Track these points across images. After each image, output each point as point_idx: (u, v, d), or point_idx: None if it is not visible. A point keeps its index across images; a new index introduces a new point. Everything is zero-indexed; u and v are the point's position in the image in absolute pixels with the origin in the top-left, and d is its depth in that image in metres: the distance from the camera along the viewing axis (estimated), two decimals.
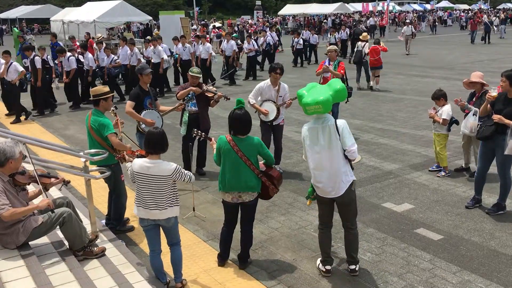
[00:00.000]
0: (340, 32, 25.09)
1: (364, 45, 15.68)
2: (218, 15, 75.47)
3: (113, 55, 15.18)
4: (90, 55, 14.96)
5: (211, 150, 8.63)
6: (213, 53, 17.26)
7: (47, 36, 39.30)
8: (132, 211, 6.49)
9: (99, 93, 5.64)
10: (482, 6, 67.41)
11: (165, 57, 15.62)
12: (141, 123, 7.00)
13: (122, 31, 37.40)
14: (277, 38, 23.26)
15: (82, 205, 6.72)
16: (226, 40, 18.61)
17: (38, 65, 12.71)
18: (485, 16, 42.33)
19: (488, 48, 28.05)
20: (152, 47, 15.81)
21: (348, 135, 4.64)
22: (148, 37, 18.91)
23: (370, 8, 58.45)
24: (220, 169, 5.03)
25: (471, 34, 32.20)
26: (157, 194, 4.45)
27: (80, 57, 14.68)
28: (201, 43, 17.37)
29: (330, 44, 21.22)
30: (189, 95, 7.52)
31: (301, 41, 22.18)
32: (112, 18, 29.34)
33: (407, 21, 31.15)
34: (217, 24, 33.89)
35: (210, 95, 7.70)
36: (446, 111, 7.40)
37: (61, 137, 10.90)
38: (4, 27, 50.89)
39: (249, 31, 29.52)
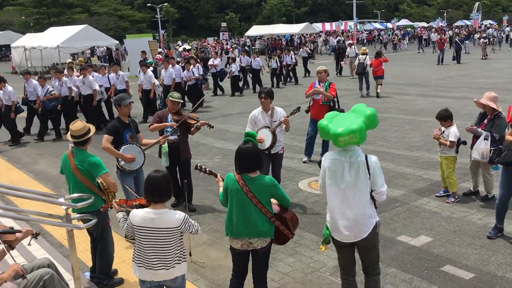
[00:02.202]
0: (283, 56, 22.34)
1: (365, 57, 17.64)
2: (182, 37, 75.10)
3: (48, 86, 13.30)
4: (9, 87, 12.72)
5: (198, 181, 8.07)
6: (156, 82, 15.29)
7: (8, 64, 37.82)
8: (120, 259, 5.75)
9: (86, 131, 4.89)
10: (440, 24, 69.38)
11: (97, 87, 13.71)
12: (119, 159, 6.26)
13: (89, 56, 36.32)
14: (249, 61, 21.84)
15: (61, 255, 5.90)
16: (164, 67, 15.97)
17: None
18: (450, 33, 43.04)
19: (455, 65, 28.40)
20: (82, 76, 13.69)
21: (380, 174, 4.06)
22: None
23: (334, 28, 59.43)
24: (227, 211, 4.35)
25: (439, 54, 28.63)
26: (164, 251, 3.75)
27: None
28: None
29: (272, 69, 21.60)
30: (174, 128, 6.90)
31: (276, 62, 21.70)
32: (76, 43, 28.41)
33: (349, 42, 27.04)
34: (187, 47, 33.22)
35: (192, 122, 7.07)
36: (453, 132, 6.94)
37: (30, 173, 9.96)
38: None
39: (210, 54, 27.10)
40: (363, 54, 17.91)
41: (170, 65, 15.94)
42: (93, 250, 5.37)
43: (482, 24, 68.03)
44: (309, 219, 6.89)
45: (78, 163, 4.84)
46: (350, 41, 27.68)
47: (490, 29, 49.64)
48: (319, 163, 4.78)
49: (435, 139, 7.20)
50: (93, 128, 4.98)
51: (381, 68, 17.33)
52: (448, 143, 6.93)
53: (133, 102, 6.66)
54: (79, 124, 4.89)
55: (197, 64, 17.61)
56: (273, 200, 4.40)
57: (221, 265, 5.65)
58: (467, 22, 76.78)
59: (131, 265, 3.98)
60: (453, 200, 7.10)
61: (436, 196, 7.37)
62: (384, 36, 50.21)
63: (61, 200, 4.83)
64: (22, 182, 9.18)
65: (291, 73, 23.09)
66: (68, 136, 4.91)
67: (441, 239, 5.96)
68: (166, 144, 6.99)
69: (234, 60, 21.24)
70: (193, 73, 16.65)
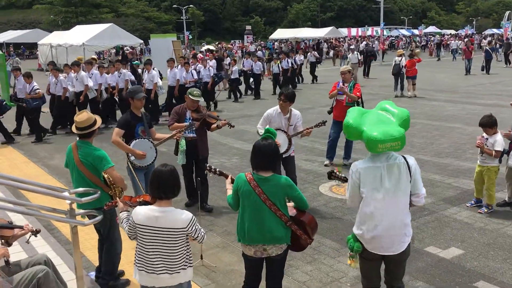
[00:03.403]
0: (283, 61, 20.77)
1: (401, 59, 18.30)
2: (207, 39, 75.33)
3: (34, 83, 12.44)
4: (35, 83, 12.55)
5: (214, 181, 7.74)
6: (159, 83, 14.48)
7: (35, 60, 38.43)
8: (127, 259, 5.44)
9: (91, 123, 4.59)
10: (469, 32, 67.87)
11: (90, 84, 13.11)
12: (130, 155, 5.96)
13: (111, 54, 36.50)
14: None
15: (67, 253, 5.63)
16: (169, 67, 15.16)
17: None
18: (484, 41, 41.36)
19: (484, 74, 27.22)
20: (74, 73, 13.22)
21: (419, 176, 3.68)
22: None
23: (360, 33, 58.71)
24: (239, 216, 3.98)
25: (467, 63, 25.93)
26: (168, 254, 3.41)
27: None
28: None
29: (274, 74, 20.36)
30: (191, 122, 6.56)
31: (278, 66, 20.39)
32: (101, 41, 28.53)
33: (351, 47, 25.96)
34: (211, 47, 33.06)
35: (211, 121, 6.77)
36: (499, 141, 6.38)
37: (45, 167, 9.79)
38: None
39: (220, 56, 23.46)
40: (399, 56, 18.61)
41: (182, 65, 15.39)
42: (100, 249, 5.07)
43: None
44: (330, 224, 6.47)
45: (82, 156, 4.54)
46: (352, 46, 26.11)
47: None
48: (329, 175, 4.33)
49: (478, 147, 6.62)
50: (99, 120, 4.69)
51: (414, 69, 17.94)
52: (493, 152, 6.40)
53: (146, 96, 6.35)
54: (84, 115, 4.59)
55: (208, 66, 16.95)
56: (290, 203, 4.02)
57: (234, 270, 5.29)
58: (496, 31, 74.98)
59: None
60: (486, 210, 6.59)
61: (467, 206, 6.87)
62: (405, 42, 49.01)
63: (65, 194, 4.52)
64: (35, 176, 8.99)
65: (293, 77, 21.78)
66: (73, 128, 4.63)
67: (474, 252, 5.48)
68: (183, 141, 6.66)
69: (235, 62, 19.98)
70: (192, 75, 15.29)
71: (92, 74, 13.64)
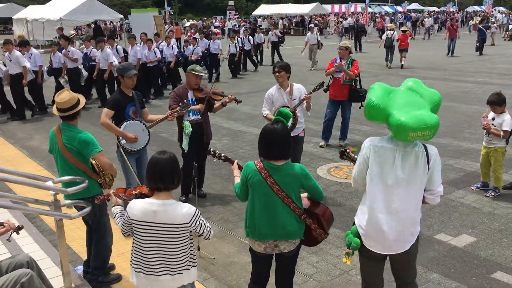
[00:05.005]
0: (242, 39, 19.02)
1: (393, 33, 19.68)
2: (188, 15, 73.65)
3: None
4: (35, 50, 12.20)
5: (211, 166, 7.27)
6: (115, 62, 13.01)
7: (10, 36, 36.96)
8: (117, 252, 5.03)
9: (74, 103, 4.09)
10: (451, 9, 67.63)
11: (27, 65, 11.59)
12: (120, 138, 5.47)
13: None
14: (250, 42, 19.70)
15: (51, 245, 5.17)
16: (130, 44, 14.04)
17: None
18: (474, 19, 40.55)
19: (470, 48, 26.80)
20: (6, 53, 11.41)
21: (439, 170, 3.21)
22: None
23: (343, 10, 58.00)
24: (247, 208, 3.56)
25: (449, 43, 23.72)
26: (169, 252, 3.00)
27: None
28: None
29: (230, 54, 18.06)
30: (186, 101, 5.96)
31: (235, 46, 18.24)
32: (79, 16, 27.38)
33: (311, 25, 22.64)
34: (195, 23, 32.12)
35: (217, 98, 6.25)
36: (508, 120, 6.05)
37: (23, 149, 9.20)
38: None
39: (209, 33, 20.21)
40: (390, 29, 20.00)
41: (145, 42, 14.22)
42: (89, 241, 4.63)
43: (494, 10, 66.29)
44: (332, 210, 6.09)
45: (66, 141, 4.05)
46: (312, 25, 22.86)
47: (500, 15, 48.15)
48: (341, 153, 3.93)
49: (484, 129, 6.27)
50: (83, 99, 4.18)
51: (406, 42, 19.46)
52: (501, 133, 6.07)
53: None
54: (65, 94, 4.05)
55: (172, 44, 15.73)
56: (303, 194, 3.62)
57: (234, 262, 4.91)
58: (477, 8, 74.96)
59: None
60: (493, 194, 6.32)
61: (472, 189, 6.60)
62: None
63: (49, 183, 4.06)
64: (14, 159, 8.45)
65: (248, 59, 19.94)
66: (54, 109, 4.11)
67: (486, 239, 5.20)
68: (187, 123, 6.08)
69: (195, 41, 17.33)
70: (154, 53, 14.12)
71: (69, 50, 12.75)
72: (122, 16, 30.54)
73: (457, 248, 5.02)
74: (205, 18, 52.17)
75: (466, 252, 4.94)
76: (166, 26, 29.70)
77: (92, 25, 28.78)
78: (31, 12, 31.34)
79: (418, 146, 3.17)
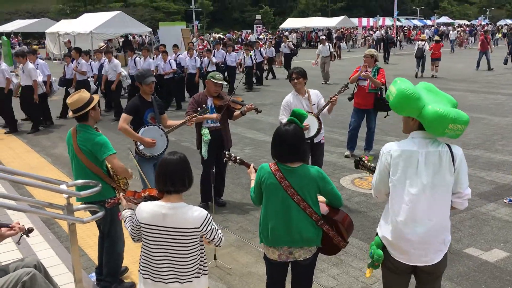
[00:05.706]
0: (255, 52, 18.40)
1: (424, 43, 20.15)
2: (216, 29, 74.51)
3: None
4: (30, 64, 11.48)
5: (226, 173, 7.14)
6: (124, 73, 13.36)
7: (42, 50, 38.03)
8: (132, 259, 4.91)
9: (84, 103, 4.03)
10: (482, 22, 66.41)
11: (39, 79, 11.49)
12: (138, 143, 5.40)
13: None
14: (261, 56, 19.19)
15: (66, 252, 5.09)
16: (143, 56, 14.00)
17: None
18: (501, 31, 39.53)
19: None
20: (21, 64, 11.43)
21: (465, 171, 2.99)
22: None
23: (371, 23, 57.68)
24: (261, 213, 3.40)
25: (480, 56, 22.35)
26: (179, 259, 2.85)
27: None
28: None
29: (246, 67, 17.53)
30: (205, 106, 5.87)
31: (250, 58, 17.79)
32: (109, 29, 27.94)
33: (323, 37, 21.69)
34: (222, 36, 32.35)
35: (236, 107, 6.15)
36: None
37: (48, 156, 9.28)
38: None
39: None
40: (422, 40, 20.73)
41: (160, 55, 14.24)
42: (100, 247, 4.53)
43: None
44: (355, 221, 5.78)
45: (81, 142, 3.99)
46: (323, 37, 22.18)
47: None
48: (356, 163, 3.72)
49: None
50: (96, 97, 4.13)
51: (439, 52, 19.80)
52: None
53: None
54: (75, 95, 4.03)
55: (194, 56, 15.26)
56: (321, 198, 3.44)
57: (251, 272, 4.73)
58: (509, 21, 73.39)
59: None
60: None
61: (505, 202, 6.26)
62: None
63: (63, 187, 3.98)
64: (38, 167, 8.50)
65: (258, 72, 19.10)
66: (69, 112, 4.09)
67: None
68: (206, 130, 6.00)
69: (210, 52, 16.78)
70: (170, 65, 14.03)
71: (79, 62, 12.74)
72: (150, 30, 30.99)
73: (488, 263, 4.72)
74: (235, 32, 52.54)
75: (498, 268, 4.63)
76: (194, 39, 30.04)
77: (122, 38, 29.30)
78: (63, 26, 32.19)
79: (442, 145, 2.97)
